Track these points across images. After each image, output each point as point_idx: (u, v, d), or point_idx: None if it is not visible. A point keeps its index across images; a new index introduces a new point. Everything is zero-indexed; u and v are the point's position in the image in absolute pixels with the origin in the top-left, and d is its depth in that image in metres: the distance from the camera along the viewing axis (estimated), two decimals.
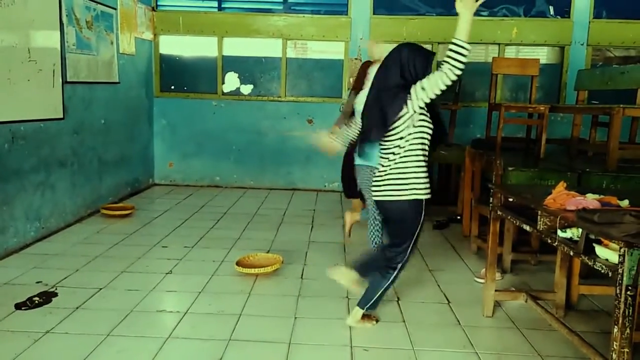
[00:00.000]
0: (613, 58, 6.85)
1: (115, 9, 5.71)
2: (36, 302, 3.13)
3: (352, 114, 3.85)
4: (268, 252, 4.17)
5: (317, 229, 5.07)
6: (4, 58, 3.86)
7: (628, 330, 1.91)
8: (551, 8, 6.61)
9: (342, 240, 4.64)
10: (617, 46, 6.70)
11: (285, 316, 3.07)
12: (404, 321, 3.05)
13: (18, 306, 3.06)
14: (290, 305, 3.22)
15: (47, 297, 3.20)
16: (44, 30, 4.38)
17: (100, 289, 3.39)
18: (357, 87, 4.15)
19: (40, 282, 3.47)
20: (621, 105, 3.86)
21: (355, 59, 6.74)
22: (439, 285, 3.63)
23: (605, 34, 6.57)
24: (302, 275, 3.77)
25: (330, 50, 6.89)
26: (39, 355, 2.57)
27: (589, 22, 6.56)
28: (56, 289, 3.36)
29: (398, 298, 3.38)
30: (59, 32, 4.59)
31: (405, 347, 2.74)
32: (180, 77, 7.01)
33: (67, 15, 4.72)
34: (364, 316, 2.95)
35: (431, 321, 3.07)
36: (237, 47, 6.83)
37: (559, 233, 2.30)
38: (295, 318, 3.05)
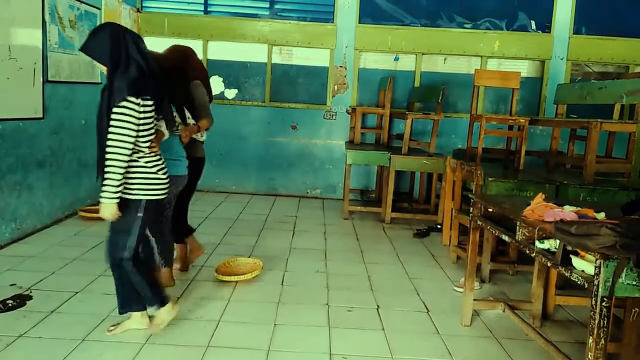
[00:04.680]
0: (591, 73, 7.00)
1: (99, 8, 5.64)
2: (10, 305, 3.06)
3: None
4: (249, 257, 4.14)
5: (299, 235, 5.06)
6: None
7: (603, 341, 1.95)
8: (533, 23, 6.74)
9: (323, 247, 4.64)
10: (596, 62, 6.85)
11: (265, 323, 3.05)
12: (383, 329, 3.06)
13: None
14: (270, 312, 3.21)
15: (21, 300, 3.14)
16: (26, 28, 4.31)
17: (77, 292, 3.33)
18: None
19: (15, 284, 3.39)
20: (599, 120, 3.96)
21: (341, 66, 6.78)
22: (418, 294, 3.65)
23: (584, 50, 6.73)
24: (282, 281, 3.76)
25: (316, 57, 6.91)
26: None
27: (569, 37, 6.71)
28: (31, 291, 3.29)
29: (378, 306, 3.39)
30: (41, 31, 4.52)
31: (384, 355, 2.75)
32: None
33: (49, 14, 4.65)
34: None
35: (410, 329, 3.08)
36: (222, 51, 6.81)
37: (537, 244, 2.34)
38: (275, 325, 3.04)
